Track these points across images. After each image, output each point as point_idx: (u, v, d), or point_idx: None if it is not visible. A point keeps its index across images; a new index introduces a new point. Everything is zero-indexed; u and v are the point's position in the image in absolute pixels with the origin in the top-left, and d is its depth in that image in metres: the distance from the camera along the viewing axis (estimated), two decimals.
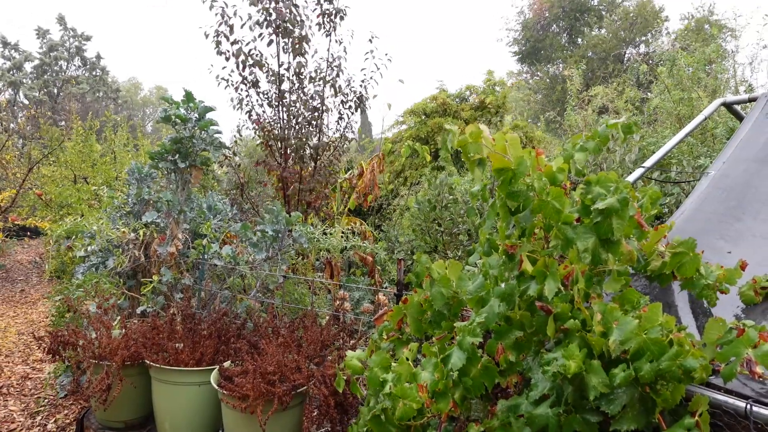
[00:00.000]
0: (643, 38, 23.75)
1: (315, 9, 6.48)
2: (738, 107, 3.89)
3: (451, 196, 6.23)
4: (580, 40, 26.22)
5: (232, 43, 6.33)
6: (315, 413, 3.06)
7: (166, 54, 77.48)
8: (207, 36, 6.32)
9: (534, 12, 27.58)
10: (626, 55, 24.22)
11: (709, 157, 5.75)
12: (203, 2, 6.26)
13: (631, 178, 3.15)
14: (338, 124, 6.86)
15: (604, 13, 25.72)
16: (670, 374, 1.40)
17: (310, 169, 6.75)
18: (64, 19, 33.76)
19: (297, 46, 6.37)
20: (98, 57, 35.07)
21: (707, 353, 1.52)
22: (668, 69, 7.37)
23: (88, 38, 34.67)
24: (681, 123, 6.82)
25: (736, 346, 1.49)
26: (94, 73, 34.83)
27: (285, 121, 6.56)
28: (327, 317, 3.97)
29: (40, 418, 4.29)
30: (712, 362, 1.54)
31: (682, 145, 6.20)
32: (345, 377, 2.35)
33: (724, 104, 3.77)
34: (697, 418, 1.42)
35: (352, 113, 6.84)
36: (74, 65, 34.78)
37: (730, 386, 1.60)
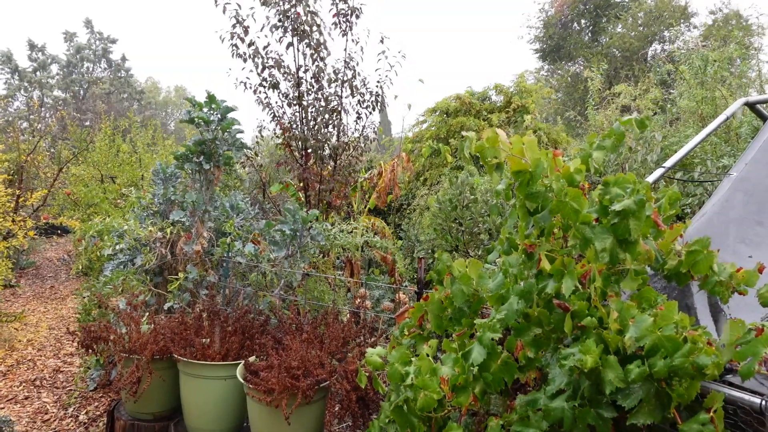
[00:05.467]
0: (666, 34, 23.37)
1: (330, 9, 6.54)
2: (761, 107, 3.85)
3: (472, 196, 6.26)
4: (603, 38, 25.92)
5: (249, 45, 6.38)
6: (337, 408, 3.13)
7: (183, 54, 78.59)
8: (222, 40, 6.36)
9: (556, 9, 27.32)
10: (650, 53, 23.87)
11: (732, 157, 5.69)
12: (216, 5, 6.32)
13: (650, 178, 3.15)
14: (357, 123, 6.92)
15: (628, 4, 25.32)
16: (683, 370, 1.43)
17: (329, 168, 6.84)
18: (91, 23, 34.53)
19: (315, 49, 6.44)
20: (123, 59, 35.76)
21: (726, 353, 1.55)
22: (692, 68, 7.28)
23: (113, 41, 35.38)
24: (704, 122, 6.74)
25: (754, 345, 1.52)
26: (119, 74, 35.53)
27: (304, 122, 6.65)
28: (348, 314, 4.04)
29: (72, 409, 4.45)
30: (730, 362, 1.57)
31: (705, 145, 6.13)
32: (366, 374, 2.41)
33: (747, 104, 3.73)
34: (712, 414, 1.46)
35: (370, 113, 6.89)
36: (100, 67, 35.53)
37: (747, 385, 1.62)
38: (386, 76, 6.78)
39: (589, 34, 27.46)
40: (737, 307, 2.12)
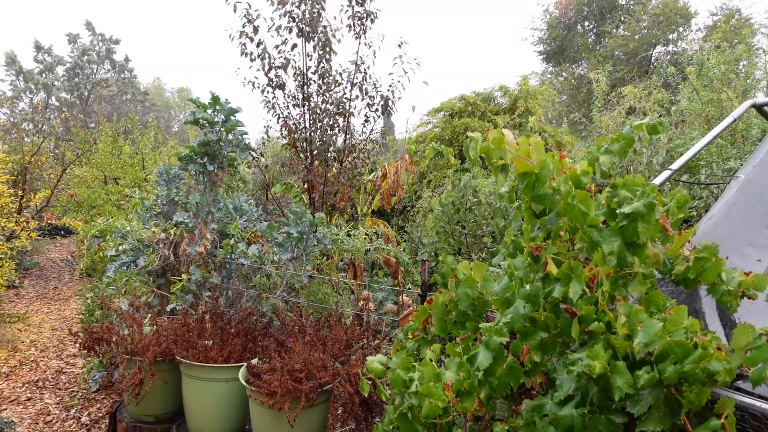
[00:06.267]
0: (670, 36, 23.30)
1: (346, 11, 6.51)
2: None
3: (475, 198, 6.23)
4: (607, 40, 25.87)
5: (257, 45, 6.34)
6: (340, 411, 3.11)
7: (187, 56, 78.78)
8: (232, 39, 6.33)
9: (560, 11, 27.28)
10: (653, 55, 23.79)
11: (739, 159, 5.65)
12: (227, 3, 6.30)
13: (657, 180, 3.12)
14: (364, 126, 6.86)
15: (632, 6, 25.25)
16: (694, 377, 1.40)
17: (334, 170, 6.80)
18: (92, 24, 34.68)
19: (323, 51, 6.40)
20: (126, 60, 35.88)
21: (736, 359, 1.52)
22: (697, 70, 7.24)
23: (117, 42, 35.52)
24: (710, 124, 6.70)
25: (765, 350, 1.49)
26: (122, 75, 35.65)
27: (310, 123, 6.61)
28: (351, 317, 4.02)
29: (74, 411, 4.44)
30: (740, 367, 1.55)
31: (711, 147, 6.09)
32: (369, 381, 2.38)
33: (754, 106, 3.69)
34: (723, 420, 1.43)
35: (379, 116, 6.83)
36: (104, 68, 35.66)
37: (759, 390, 1.59)
38: (399, 81, 6.72)
39: (593, 36, 27.42)
40: (746, 311, 2.10)
